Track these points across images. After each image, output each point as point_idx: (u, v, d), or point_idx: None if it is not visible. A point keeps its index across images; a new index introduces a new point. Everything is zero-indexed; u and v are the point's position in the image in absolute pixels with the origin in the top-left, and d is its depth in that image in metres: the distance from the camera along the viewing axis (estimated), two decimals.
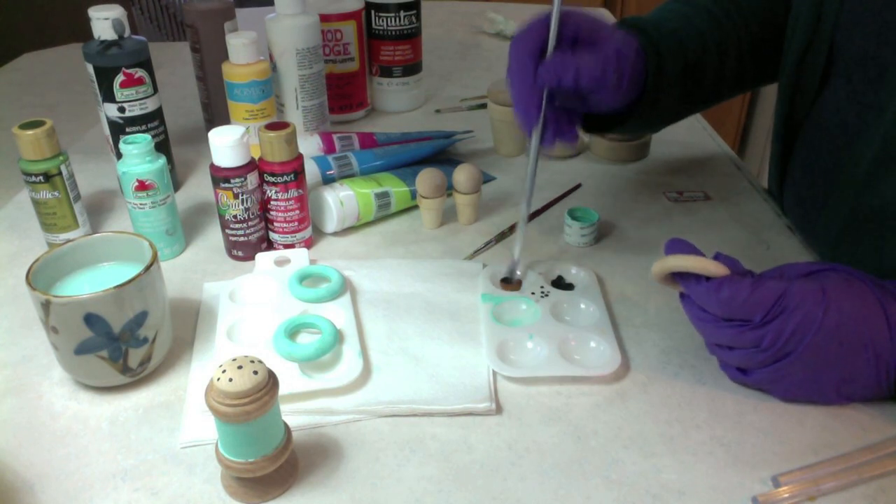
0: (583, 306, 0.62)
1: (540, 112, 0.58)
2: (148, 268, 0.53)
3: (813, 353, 0.48)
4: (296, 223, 0.70)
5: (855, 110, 0.60)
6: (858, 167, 0.58)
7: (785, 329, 0.47)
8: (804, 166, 0.68)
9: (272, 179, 0.68)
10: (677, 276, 0.51)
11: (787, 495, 0.46)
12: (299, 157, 0.68)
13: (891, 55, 0.55)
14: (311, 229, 0.73)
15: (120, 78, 0.74)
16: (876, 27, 0.57)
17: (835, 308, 0.47)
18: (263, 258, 0.68)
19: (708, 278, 0.49)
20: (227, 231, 0.70)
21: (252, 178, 0.67)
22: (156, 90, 0.77)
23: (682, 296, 0.52)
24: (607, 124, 0.69)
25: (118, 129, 0.77)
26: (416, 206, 0.78)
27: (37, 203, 0.69)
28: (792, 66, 0.66)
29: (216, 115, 0.94)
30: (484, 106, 1.04)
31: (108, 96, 0.75)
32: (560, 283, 0.66)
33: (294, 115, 0.91)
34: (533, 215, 0.78)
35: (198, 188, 0.85)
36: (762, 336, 0.48)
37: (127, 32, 0.74)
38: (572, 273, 0.67)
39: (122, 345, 0.53)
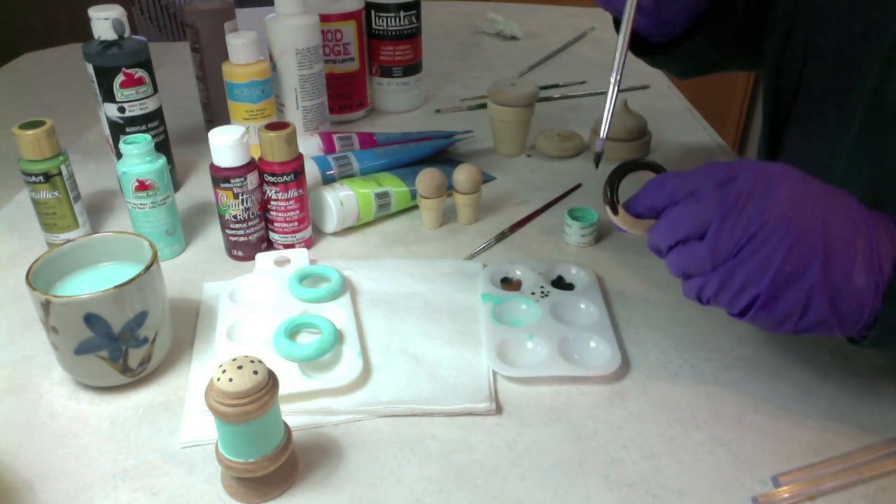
0: (583, 306, 0.62)
1: None
2: (148, 268, 0.53)
3: (786, 203, 0.43)
4: (296, 223, 0.70)
5: (830, 107, 0.60)
6: (838, 162, 0.58)
7: (744, 187, 0.43)
8: (789, 164, 0.68)
9: (272, 179, 0.68)
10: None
11: (787, 495, 0.46)
12: (299, 157, 0.68)
13: (861, 48, 0.55)
14: (311, 229, 0.73)
15: (120, 78, 0.74)
16: (846, 20, 0.57)
17: (790, 172, 0.44)
18: (263, 258, 0.68)
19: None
20: (227, 231, 0.70)
21: (252, 178, 0.67)
22: (156, 90, 0.77)
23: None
24: (655, 48, 0.70)
25: (118, 129, 0.77)
26: (416, 206, 0.78)
27: (37, 203, 0.69)
28: (772, 64, 0.67)
29: (216, 115, 0.94)
30: (484, 106, 1.04)
31: (108, 96, 0.75)
32: (560, 283, 0.66)
33: (294, 115, 0.91)
34: (533, 215, 0.78)
35: (198, 188, 0.85)
36: (722, 196, 0.44)
37: (127, 32, 0.74)
38: (572, 273, 0.67)
39: (122, 345, 0.53)
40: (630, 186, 0.52)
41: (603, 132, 0.55)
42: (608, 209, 0.51)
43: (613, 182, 0.52)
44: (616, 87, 0.55)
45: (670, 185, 0.48)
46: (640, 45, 0.72)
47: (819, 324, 0.44)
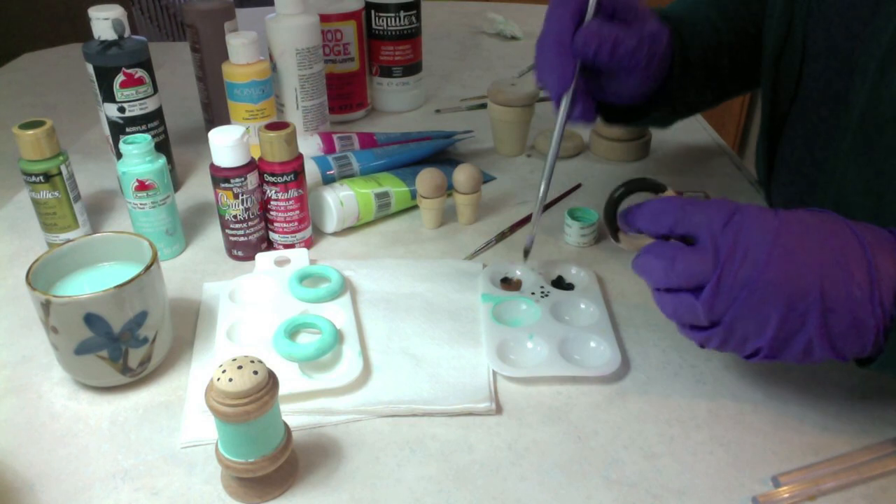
0: (583, 306, 0.62)
1: (572, 79, 0.57)
2: (148, 268, 0.53)
3: (782, 262, 0.43)
4: (296, 223, 0.70)
5: (828, 106, 0.60)
6: (836, 162, 0.58)
7: (739, 245, 0.43)
8: (787, 163, 0.68)
9: (272, 179, 0.68)
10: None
11: (787, 495, 0.46)
12: (299, 157, 0.69)
13: (858, 48, 0.55)
14: (311, 229, 0.73)
15: (120, 78, 0.74)
16: (844, 20, 0.57)
17: (788, 224, 0.44)
18: (263, 258, 0.68)
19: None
20: (227, 231, 0.70)
21: (252, 178, 0.67)
22: (156, 90, 0.77)
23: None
24: (624, 116, 0.69)
25: (118, 129, 0.77)
26: (416, 206, 0.78)
27: (37, 203, 0.69)
28: (770, 65, 0.67)
29: (216, 115, 0.94)
30: (484, 106, 1.04)
31: (108, 96, 0.75)
32: (560, 283, 0.66)
33: (294, 115, 0.91)
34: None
35: (198, 188, 0.85)
36: (718, 252, 0.44)
37: (127, 32, 0.74)
38: (572, 273, 0.67)
39: (122, 345, 0.53)
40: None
41: (532, 230, 0.62)
42: (610, 233, 0.54)
43: (615, 207, 0.52)
44: (545, 191, 0.60)
45: (668, 218, 0.47)
46: (607, 113, 0.71)
47: (823, 360, 0.45)
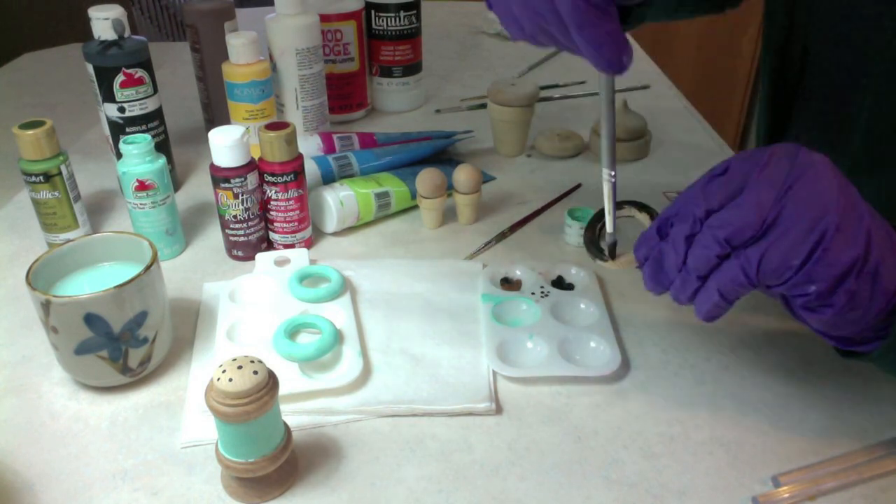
0: (583, 306, 0.62)
1: None
2: (148, 268, 0.53)
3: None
4: (296, 223, 0.70)
5: (831, 119, 0.60)
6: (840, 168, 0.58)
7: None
8: None
9: (272, 179, 0.68)
10: None
11: (787, 495, 0.46)
12: (299, 157, 0.69)
13: (861, 60, 0.55)
14: (311, 229, 0.73)
15: (120, 78, 0.74)
16: (844, 31, 0.57)
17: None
18: (263, 258, 0.68)
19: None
20: (227, 231, 0.70)
21: (252, 178, 0.67)
22: (156, 90, 0.77)
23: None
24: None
25: (118, 129, 0.77)
26: (416, 206, 0.78)
27: (37, 203, 0.69)
28: (768, 77, 0.66)
29: (216, 115, 0.94)
30: (484, 106, 1.04)
31: (108, 96, 0.75)
32: (560, 283, 0.66)
33: (294, 115, 0.91)
34: (533, 215, 0.78)
35: (198, 188, 0.85)
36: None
37: (127, 32, 0.74)
38: (572, 273, 0.67)
39: (122, 345, 0.53)
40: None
41: (610, 227, 0.53)
42: (605, 262, 0.53)
43: (593, 237, 0.53)
44: (612, 182, 0.51)
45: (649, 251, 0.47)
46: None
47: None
